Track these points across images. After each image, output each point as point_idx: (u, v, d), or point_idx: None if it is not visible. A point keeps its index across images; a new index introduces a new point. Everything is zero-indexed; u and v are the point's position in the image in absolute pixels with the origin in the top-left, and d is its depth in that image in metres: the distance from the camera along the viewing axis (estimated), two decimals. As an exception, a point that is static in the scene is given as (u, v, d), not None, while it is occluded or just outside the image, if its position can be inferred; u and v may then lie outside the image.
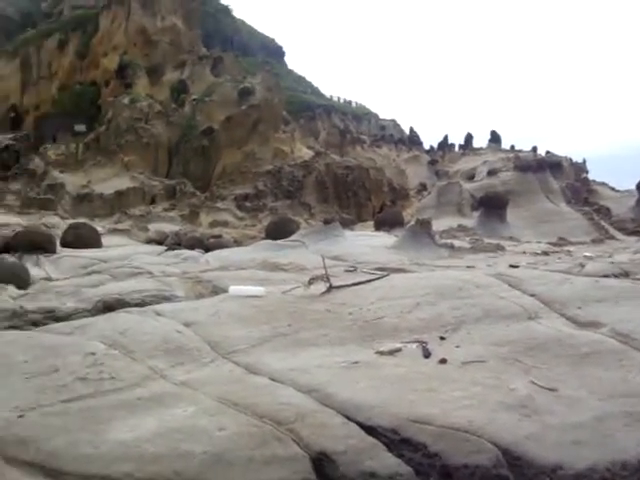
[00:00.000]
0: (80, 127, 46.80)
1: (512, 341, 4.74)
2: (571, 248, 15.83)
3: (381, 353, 4.59)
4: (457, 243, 14.61)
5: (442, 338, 4.92)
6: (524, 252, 14.11)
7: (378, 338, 5.00)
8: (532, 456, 3.02)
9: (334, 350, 4.75)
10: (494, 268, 8.63)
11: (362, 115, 78.27)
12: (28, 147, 46.62)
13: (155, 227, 25.78)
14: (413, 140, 69.08)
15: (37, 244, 15.29)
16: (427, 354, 4.53)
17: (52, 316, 6.93)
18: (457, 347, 4.68)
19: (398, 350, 4.64)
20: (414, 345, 4.74)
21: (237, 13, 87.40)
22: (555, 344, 4.56)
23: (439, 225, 18.87)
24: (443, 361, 4.33)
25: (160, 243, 20.51)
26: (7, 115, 53.36)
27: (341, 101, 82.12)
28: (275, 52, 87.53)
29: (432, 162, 58.85)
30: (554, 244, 17.26)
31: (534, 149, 51.15)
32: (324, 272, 6.88)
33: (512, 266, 8.92)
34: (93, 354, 4.74)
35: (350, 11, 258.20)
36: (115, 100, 44.24)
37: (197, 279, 8.43)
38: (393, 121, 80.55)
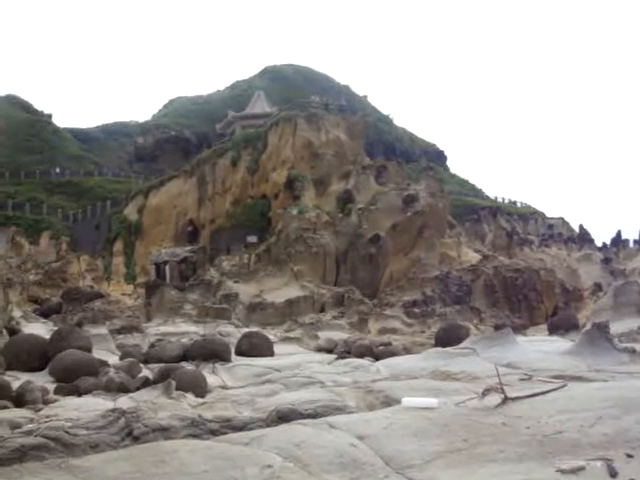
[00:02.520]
0: (252, 238, 48.93)
1: None
2: None
3: (563, 471, 4.38)
4: (639, 347, 13.79)
5: (629, 456, 4.63)
6: None
7: (559, 454, 4.78)
8: None
9: (512, 467, 4.59)
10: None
11: (528, 215, 76.99)
12: (204, 259, 49.21)
13: (325, 335, 26.07)
14: (583, 238, 66.85)
15: (213, 352, 15.85)
16: (613, 473, 4.27)
17: (229, 425, 7.11)
18: (647, 466, 4.39)
19: (581, 468, 4.41)
20: (598, 463, 4.49)
21: (398, 121, 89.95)
22: None
23: (618, 328, 17.91)
24: (632, 482, 4.06)
25: (330, 351, 20.65)
26: (185, 229, 56.88)
27: (505, 202, 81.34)
28: (437, 156, 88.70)
29: (606, 260, 56.56)
30: None
31: None
32: (498, 382, 6.71)
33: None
34: (270, 467, 4.84)
35: (505, 112, 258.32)
36: (284, 212, 45.99)
37: (368, 389, 8.42)
38: (561, 219, 78.58)
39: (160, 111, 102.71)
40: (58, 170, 72.23)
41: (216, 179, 56.44)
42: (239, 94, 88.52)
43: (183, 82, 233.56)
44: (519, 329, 22.88)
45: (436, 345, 16.96)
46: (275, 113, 60.31)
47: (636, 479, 4.08)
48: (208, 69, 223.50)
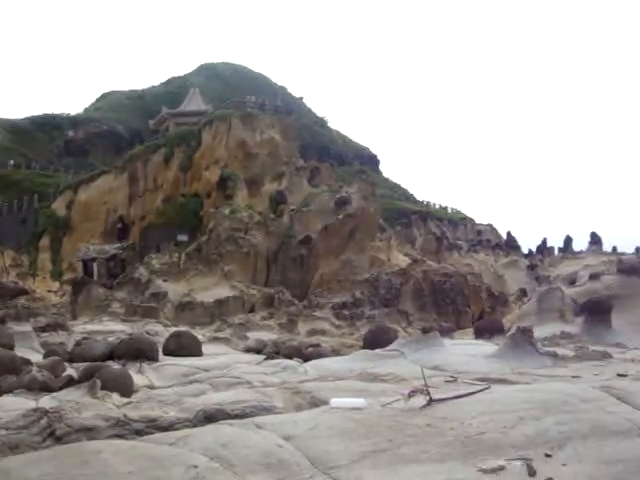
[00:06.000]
0: (182, 237, 48.51)
1: (624, 460, 4.55)
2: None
3: (484, 471, 4.47)
4: (560, 351, 14.14)
5: (548, 455, 4.76)
6: (632, 360, 13.54)
7: (481, 455, 4.88)
8: None
9: (435, 467, 4.66)
10: (601, 378, 8.33)
11: (458, 220, 78.24)
12: (133, 256, 48.59)
13: (254, 335, 26.02)
14: (510, 244, 68.19)
15: (141, 352, 15.65)
16: (532, 472, 4.39)
17: (155, 425, 7.02)
18: (564, 465, 4.52)
19: (502, 468, 4.51)
20: (518, 463, 4.60)
21: (332, 124, 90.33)
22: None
23: (541, 332, 18.35)
24: (550, 481, 4.18)
25: (259, 352, 20.62)
26: (115, 226, 56.03)
27: (436, 207, 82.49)
28: (370, 160, 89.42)
29: (531, 267, 57.82)
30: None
31: (638, 250, 49.90)
32: (424, 384, 6.80)
33: (620, 375, 8.61)
34: (195, 467, 4.79)
35: (439, 118, 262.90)
36: (216, 211, 45.75)
37: (296, 390, 8.43)
38: (489, 226, 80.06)
39: (92, 105, 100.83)
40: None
41: (148, 176, 55.81)
42: (174, 90, 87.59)
43: (117, 76, 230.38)
44: (446, 332, 23.12)
45: (364, 347, 17.06)
46: (210, 111, 59.93)
47: (553, 478, 4.19)
48: (144, 64, 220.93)
